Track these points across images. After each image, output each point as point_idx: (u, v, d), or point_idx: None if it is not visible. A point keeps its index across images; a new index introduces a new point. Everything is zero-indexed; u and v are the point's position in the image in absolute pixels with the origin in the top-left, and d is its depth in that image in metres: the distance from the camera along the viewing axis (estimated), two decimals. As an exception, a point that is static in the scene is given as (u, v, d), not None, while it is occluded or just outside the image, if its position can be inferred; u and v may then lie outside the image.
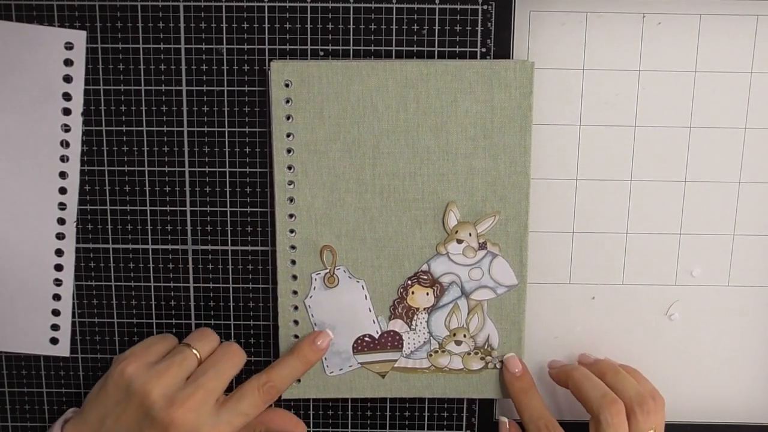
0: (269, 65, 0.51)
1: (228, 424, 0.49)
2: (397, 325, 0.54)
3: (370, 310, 0.54)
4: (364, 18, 0.51)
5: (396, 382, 0.55)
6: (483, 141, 0.51)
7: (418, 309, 0.54)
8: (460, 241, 0.53)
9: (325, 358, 0.54)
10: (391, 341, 0.54)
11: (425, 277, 0.53)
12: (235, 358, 0.51)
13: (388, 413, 0.57)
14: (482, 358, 0.54)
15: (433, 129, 0.51)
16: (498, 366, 0.54)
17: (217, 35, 0.52)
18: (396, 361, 0.54)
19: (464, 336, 0.54)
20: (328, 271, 0.53)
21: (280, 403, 0.57)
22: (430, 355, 0.54)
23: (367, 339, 0.54)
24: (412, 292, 0.53)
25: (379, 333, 0.54)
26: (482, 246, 0.53)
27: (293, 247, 0.53)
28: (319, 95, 0.51)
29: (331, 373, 0.54)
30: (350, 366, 0.54)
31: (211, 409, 0.49)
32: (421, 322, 0.54)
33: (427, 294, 0.53)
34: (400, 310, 0.53)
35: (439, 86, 0.51)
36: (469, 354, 0.54)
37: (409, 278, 0.53)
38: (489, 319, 0.54)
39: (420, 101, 0.51)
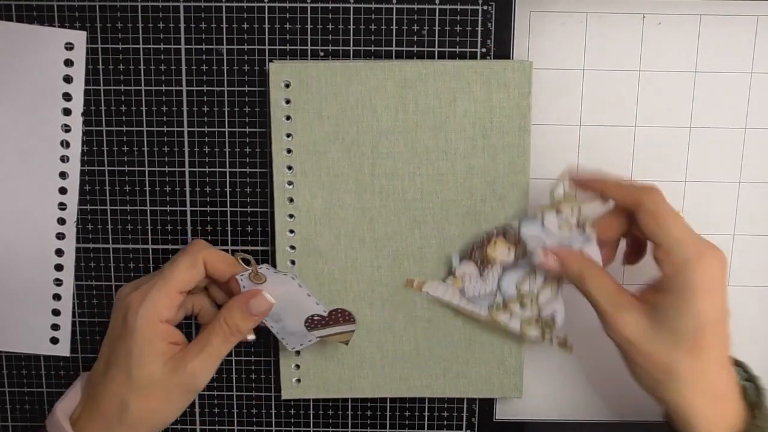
0: (268, 66, 0.51)
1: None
2: (467, 268, 0.53)
3: (309, 296, 0.51)
4: (364, 18, 0.51)
5: (396, 382, 0.55)
6: (482, 141, 0.51)
7: (494, 260, 0.52)
8: (559, 213, 0.50)
9: (283, 338, 0.52)
10: (341, 317, 0.52)
11: (512, 233, 0.51)
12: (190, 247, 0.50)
13: (388, 413, 0.57)
14: (542, 329, 0.52)
15: (432, 129, 0.51)
16: (555, 342, 0.53)
17: (217, 35, 0.52)
18: (353, 332, 0.52)
19: (531, 302, 0.52)
20: (250, 271, 0.50)
21: (281, 403, 0.57)
22: (491, 308, 0.53)
23: (316, 318, 0.52)
24: (495, 243, 0.52)
25: (327, 312, 0.52)
26: (581, 226, 0.50)
27: (293, 248, 0.53)
28: (318, 96, 0.51)
29: (293, 349, 0.53)
30: (309, 341, 0.52)
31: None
32: (493, 275, 0.52)
33: (509, 249, 0.52)
34: (476, 255, 0.52)
35: (438, 86, 0.51)
36: (529, 322, 0.52)
37: (497, 230, 0.52)
38: (560, 297, 0.52)
39: (419, 101, 0.51)
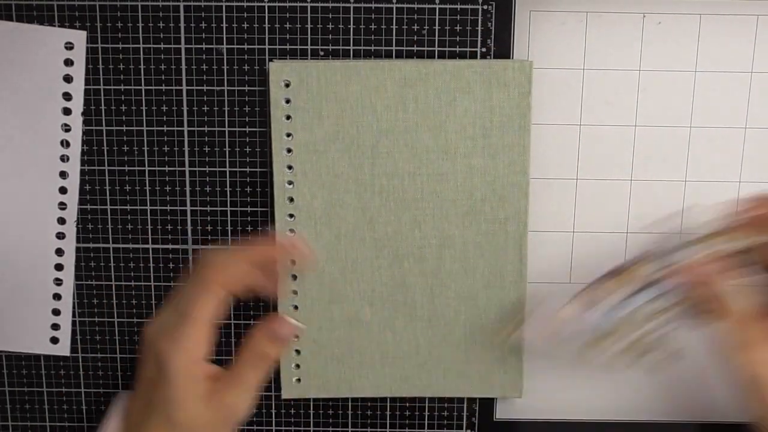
0: (268, 65, 0.51)
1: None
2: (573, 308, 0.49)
3: None
4: (364, 18, 0.51)
5: (396, 382, 0.55)
6: (482, 140, 0.51)
7: (636, 279, 0.47)
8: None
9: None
10: None
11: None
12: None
13: (388, 413, 0.57)
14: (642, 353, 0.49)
15: (432, 129, 0.51)
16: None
17: (217, 35, 0.52)
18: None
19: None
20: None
21: (281, 402, 0.57)
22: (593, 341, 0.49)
23: None
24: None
25: None
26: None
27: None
28: (318, 95, 0.51)
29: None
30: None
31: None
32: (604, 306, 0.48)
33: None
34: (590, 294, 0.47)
35: (438, 86, 0.51)
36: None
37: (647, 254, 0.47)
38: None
39: (419, 101, 0.51)
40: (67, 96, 0.52)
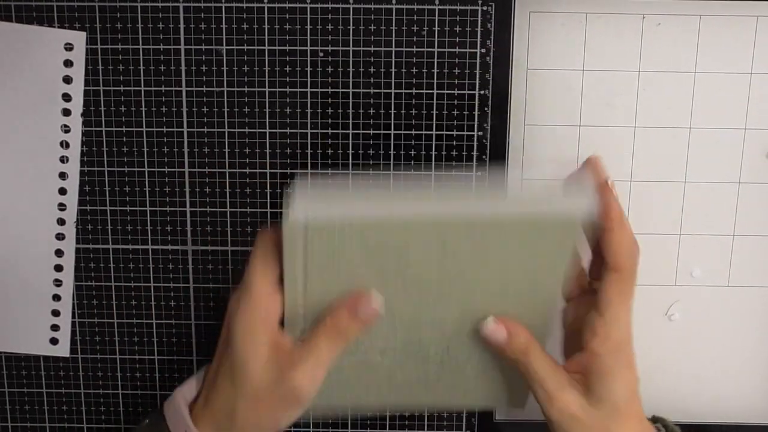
0: (290, 192, 0.43)
1: None
2: None
3: None
4: (363, 18, 0.51)
5: (393, 393, 0.54)
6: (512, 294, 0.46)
7: None
8: None
9: None
10: None
11: None
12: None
13: (388, 414, 0.57)
14: None
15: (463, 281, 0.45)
16: None
17: (217, 35, 0.52)
18: None
19: None
20: None
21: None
22: None
23: None
24: None
25: None
26: None
27: None
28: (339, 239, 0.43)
29: None
30: None
31: None
32: None
33: None
34: None
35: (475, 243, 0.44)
36: None
37: None
38: None
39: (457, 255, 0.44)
40: (66, 97, 0.52)
